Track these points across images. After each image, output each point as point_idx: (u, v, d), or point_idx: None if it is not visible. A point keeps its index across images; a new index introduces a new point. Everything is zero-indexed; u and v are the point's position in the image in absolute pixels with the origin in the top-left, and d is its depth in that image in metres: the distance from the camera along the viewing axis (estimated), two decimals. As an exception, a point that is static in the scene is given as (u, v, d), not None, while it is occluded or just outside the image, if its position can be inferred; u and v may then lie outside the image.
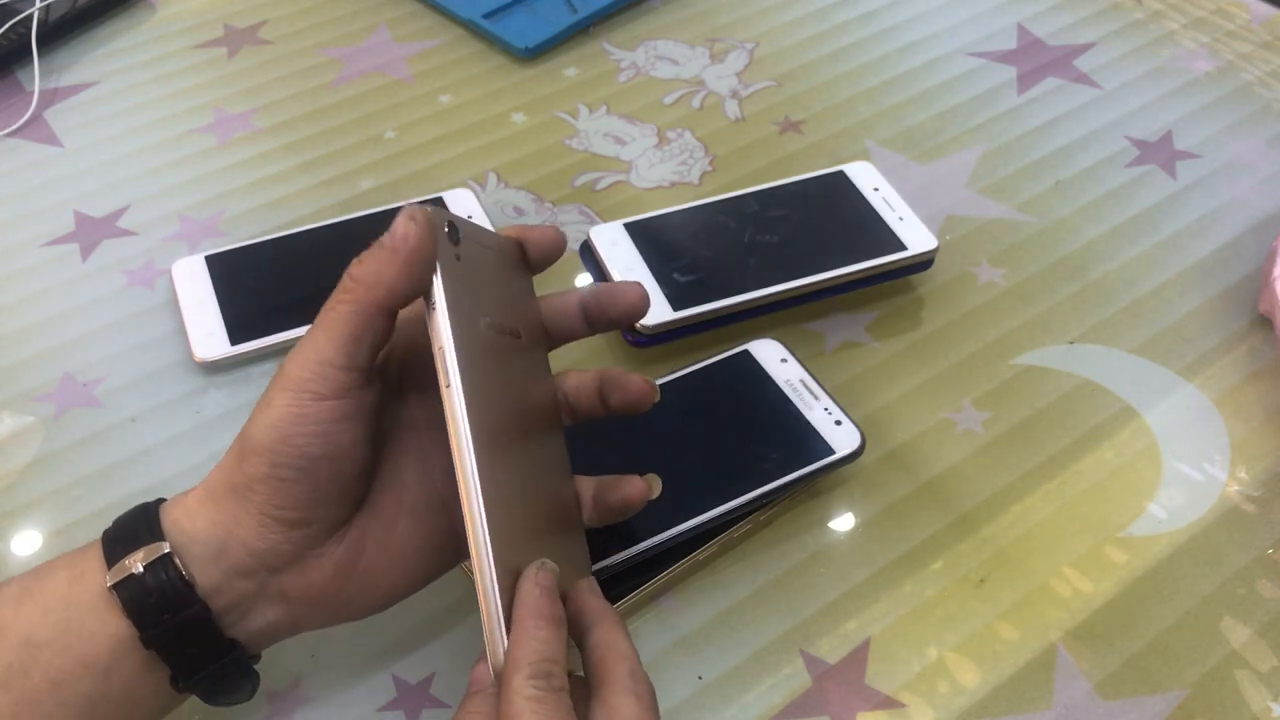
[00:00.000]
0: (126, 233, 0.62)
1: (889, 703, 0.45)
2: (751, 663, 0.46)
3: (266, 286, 0.58)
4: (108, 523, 0.49)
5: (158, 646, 0.35)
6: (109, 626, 0.35)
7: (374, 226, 0.60)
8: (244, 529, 0.35)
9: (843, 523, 0.51)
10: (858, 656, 0.46)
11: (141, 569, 0.35)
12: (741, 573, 0.49)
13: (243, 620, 0.36)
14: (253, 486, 0.35)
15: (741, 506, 0.48)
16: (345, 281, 0.35)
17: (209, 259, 0.59)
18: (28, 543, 0.49)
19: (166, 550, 0.35)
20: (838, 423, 0.51)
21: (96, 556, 0.36)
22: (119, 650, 0.35)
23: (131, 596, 0.35)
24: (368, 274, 0.35)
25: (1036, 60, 0.75)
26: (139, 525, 0.36)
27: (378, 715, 0.44)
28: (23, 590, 0.36)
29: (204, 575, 0.35)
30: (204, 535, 0.36)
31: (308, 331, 0.36)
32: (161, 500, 0.38)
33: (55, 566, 0.36)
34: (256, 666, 0.39)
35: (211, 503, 0.36)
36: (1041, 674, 0.46)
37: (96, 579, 0.35)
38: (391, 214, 0.60)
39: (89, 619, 0.35)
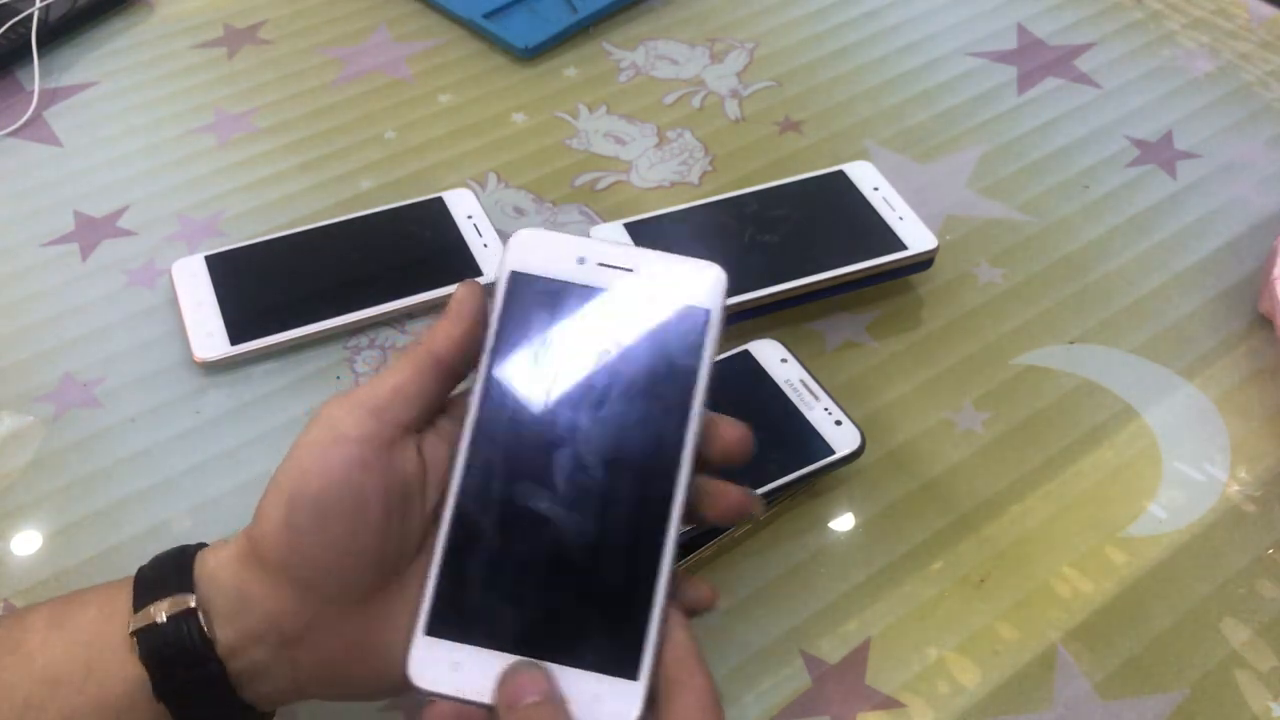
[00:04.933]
0: (126, 233, 0.62)
1: (889, 703, 0.45)
2: (751, 663, 0.46)
3: (266, 286, 0.58)
4: (108, 523, 0.50)
5: (169, 700, 0.35)
6: (127, 670, 0.34)
7: (374, 227, 0.61)
8: (260, 591, 0.35)
9: (843, 523, 0.51)
10: (858, 656, 0.46)
11: (164, 619, 0.34)
12: (741, 573, 0.49)
13: (252, 684, 0.36)
14: (266, 543, 0.34)
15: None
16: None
17: (209, 259, 0.59)
18: (28, 543, 0.49)
19: (191, 605, 0.34)
20: (838, 423, 0.51)
21: (127, 595, 0.35)
22: (134, 696, 0.34)
23: (151, 645, 0.34)
24: (427, 332, 0.36)
25: (1036, 60, 0.75)
26: (170, 571, 0.36)
27: (378, 715, 0.44)
28: (54, 618, 0.35)
29: (225, 634, 0.35)
30: (227, 592, 0.35)
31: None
32: (202, 545, 0.37)
33: (88, 600, 0.36)
34: None
35: (235, 560, 0.36)
36: (1041, 674, 0.46)
37: (123, 619, 0.35)
38: (392, 213, 0.61)
39: (110, 660, 0.34)
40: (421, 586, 0.34)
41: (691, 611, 0.36)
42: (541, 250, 0.37)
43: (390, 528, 0.35)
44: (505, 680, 0.33)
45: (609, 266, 0.37)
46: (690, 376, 0.36)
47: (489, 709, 0.33)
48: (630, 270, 0.37)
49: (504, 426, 0.36)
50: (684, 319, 0.36)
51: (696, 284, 0.37)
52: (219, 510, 0.50)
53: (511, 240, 0.37)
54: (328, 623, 0.35)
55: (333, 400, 0.36)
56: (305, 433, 0.35)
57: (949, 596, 0.48)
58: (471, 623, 0.34)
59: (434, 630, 0.34)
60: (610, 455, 0.35)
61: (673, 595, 0.35)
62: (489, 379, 0.36)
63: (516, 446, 0.36)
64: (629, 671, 0.34)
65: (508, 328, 0.36)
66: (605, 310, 0.37)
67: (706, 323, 0.36)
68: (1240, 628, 0.47)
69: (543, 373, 0.36)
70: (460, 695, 0.33)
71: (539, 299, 0.37)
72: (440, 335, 0.36)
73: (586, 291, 0.37)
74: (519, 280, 0.37)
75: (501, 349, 0.36)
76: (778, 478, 0.48)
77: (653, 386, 0.36)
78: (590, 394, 0.36)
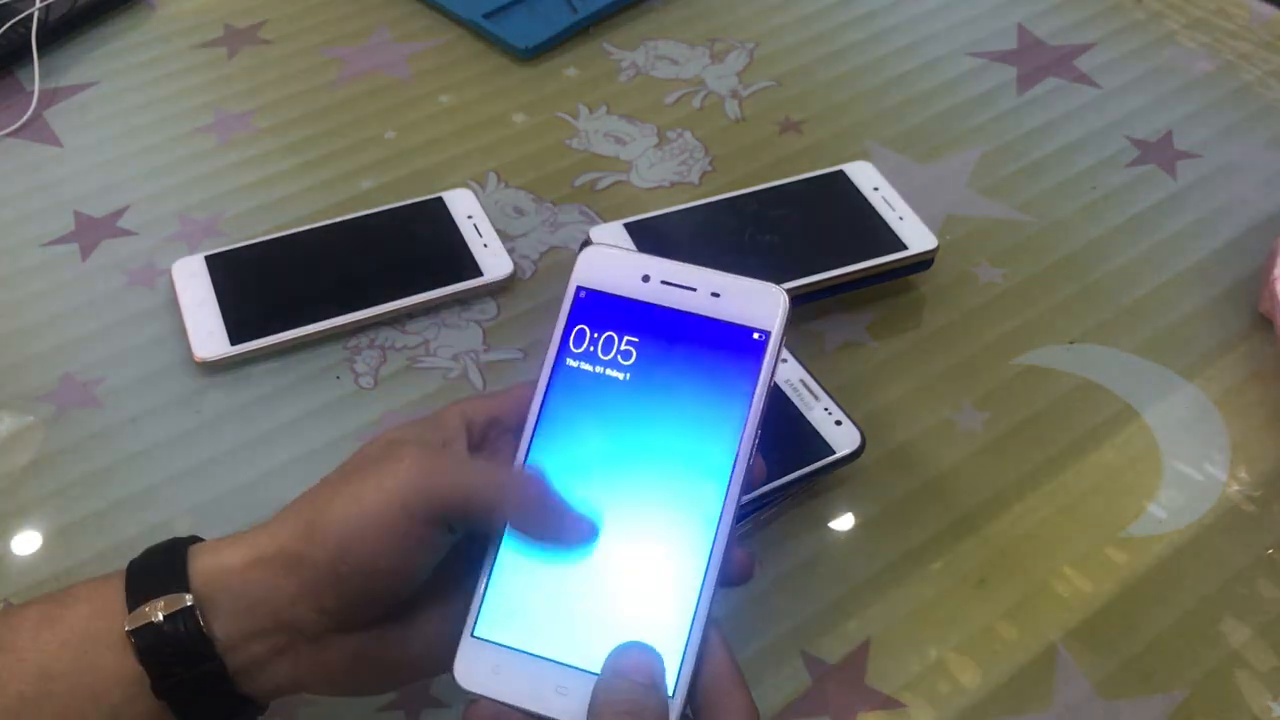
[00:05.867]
0: (126, 233, 0.62)
1: (889, 703, 0.45)
2: (751, 663, 0.46)
3: (266, 286, 0.58)
4: (108, 523, 0.50)
5: (169, 697, 0.35)
6: (123, 667, 0.34)
7: (374, 226, 0.61)
8: (278, 597, 0.35)
9: (843, 523, 0.51)
10: (858, 656, 0.46)
11: (161, 618, 0.34)
12: (741, 573, 0.49)
13: (251, 679, 0.36)
14: (306, 564, 0.34)
15: (742, 506, 0.47)
16: (501, 476, 0.36)
17: (209, 259, 0.59)
18: (28, 543, 0.49)
19: (189, 603, 0.34)
20: (838, 423, 0.51)
21: (119, 591, 0.35)
22: (131, 692, 0.34)
23: (148, 644, 0.34)
24: (523, 512, 0.36)
25: (1036, 60, 0.75)
26: (164, 567, 0.35)
27: (378, 715, 0.44)
28: (44, 616, 0.35)
29: (224, 631, 0.35)
30: (234, 590, 0.35)
31: (429, 440, 0.36)
32: (195, 539, 0.37)
33: (77, 596, 0.36)
34: None
35: (254, 561, 0.35)
36: (1041, 674, 0.46)
37: (117, 616, 0.35)
38: (392, 213, 0.61)
39: (105, 656, 0.34)
40: (472, 591, 0.35)
41: (729, 581, 0.36)
42: (608, 267, 0.38)
43: (422, 584, 0.36)
44: (619, 654, 0.34)
45: (672, 284, 0.37)
46: (745, 397, 0.36)
47: (525, 713, 0.34)
48: (693, 289, 0.37)
49: (561, 441, 0.37)
50: (743, 339, 0.37)
51: (758, 305, 0.37)
52: (219, 510, 0.50)
53: (580, 256, 0.38)
54: (339, 635, 0.35)
55: (402, 468, 0.35)
56: (371, 490, 0.34)
57: (949, 596, 0.48)
58: (516, 630, 0.35)
59: (481, 633, 0.35)
60: (661, 473, 0.36)
61: (713, 615, 0.35)
62: (549, 393, 0.37)
63: (571, 461, 0.36)
64: None
65: (570, 342, 0.37)
66: (666, 327, 0.37)
67: (765, 344, 0.37)
68: (1240, 628, 0.47)
69: (602, 388, 0.37)
70: (499, 698, 0.34)
71: (602, 314, 0.38)
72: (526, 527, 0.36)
73: (649, 308, 0.37)
74: (584, 295, 0.38)
75: (563, 363, 0.37)
76: (778, 478, 0.48)
77: (708, 406, 0.36)
78: (646, 411, 0.37)
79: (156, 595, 0.35)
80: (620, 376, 0.37)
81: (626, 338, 0.37)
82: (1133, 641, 0.47)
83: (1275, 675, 0.46)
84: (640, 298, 0.37)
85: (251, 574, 0.35)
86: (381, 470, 0.35)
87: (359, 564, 0.34)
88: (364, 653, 0.36)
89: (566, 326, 0.38)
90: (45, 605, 0.36)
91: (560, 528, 0.36)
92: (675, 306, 0.37)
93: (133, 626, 0.34)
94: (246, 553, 0.35)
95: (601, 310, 0.38)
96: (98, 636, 0.35)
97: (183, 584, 0.35)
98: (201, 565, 0.35)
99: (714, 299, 0.37)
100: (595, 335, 0.37)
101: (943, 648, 0.47)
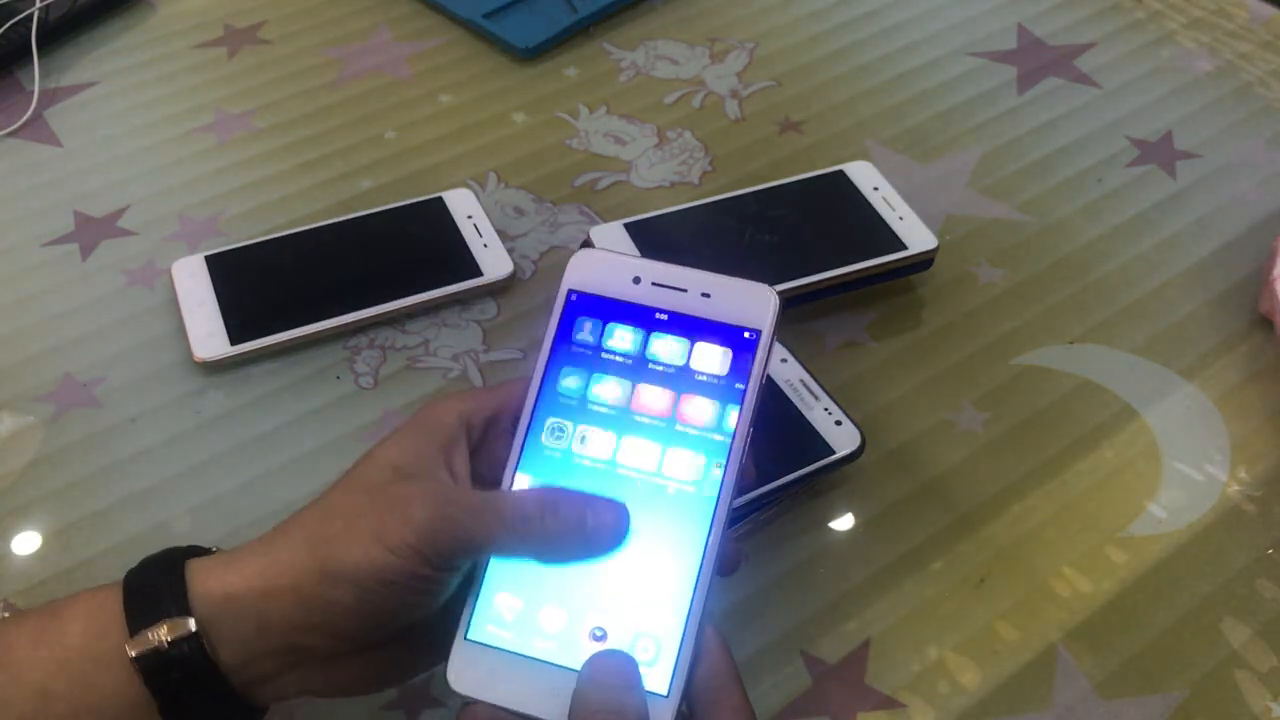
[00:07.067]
0: (126, 233, 0.62)
1: (889, 703, 0.45)
2: (751, 663, 0.46)
3: (266, 286, 0.58)
4: (108, 523, 0.50)
5: (173, 716, 0.35)
6: (125, 688, 0.34)
7: (374, 226, 0.61)
8: (290, 627, 0.34)
9: (843, 523, 0.51)
10: (858, 656, 0.46)
11: (166, 644, 0.34)
12: (742, 573, 0.49)
13: (255, 691, 0.36)
14: (323, 605, 0.34)
15: (742, 507, 0.47)
16: (514, 515, 0.36)
17: (209, 259, 0.59)
18: (28, 543, 0.49)
19: (193, 628, 0.34)
20: (838, 423, 0.51)
21: (117, 608, 0.35)
22: (133, 713, 0.34)
23: (153, 670, 0.34)
24: (533, 537, 0.35)
25: (1036, 60, 0.75)
26: (163, 586, 0.35)
27: (378, 715, 0.44)
28: (40, 630, 0.35)
29: (230, 652, 0.34)
30: (241, 615, 0.34)
31: (434, 464, 0.36)
32: (192, 551, 0.36)
33: (74, 612, 0.35)
34: None
35: (264, 592, 0.34)
36: (1041, 674, 0.46)
37: (116, 638, 0.34)
38: (392, 213, 0.61)
39: (105, 677, 0.34)
40: (466, 595, 0.35)
41: (718, 571, 0.36)
42: (599, 269, 0.38)
43: (440, 605, 0.36)
44: (593, 662, 0.34)
45: (663, 286, 0.38)
46: (737, 396, 0.36)
47: (519, 716, 0.34)
48: (683, 290, 0.37)
49: (553, 442, 0.37)
50: (735, 338, 0.37)
51: (748, 304, 0.37)
52: (219, 510, 0.50)
53: (571, 259, 0.38)
54: (348, 652, 0.36)
55: (414, 506, 0.34)
56: (382, 533, 0.34)
57: (949, 596, 0.48)
58: (509, 632, 0.35)
59: (474, 636, 0.35)
60: (654, 474, 0.36)
61: (711, 613, 0.35)
62: (542, 395, 0.37)
63: (563, 464, 0.37)
64: (657, 686, 0.34)
65: (562, 345, 0.38)
66: (657, 328, 0.38)
67: (756, 343, 0.37)
68: (1240, 628, 0.47)
69: (593, 390, 0.37)
70: (493, 701, 0.34)
71: (594, 316, 0.38)
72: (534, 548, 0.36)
73: (640, 310, 0.38)
74: (575, 297, 0.38)
75: (555, 366, 0.37)
76: (778, 478, 0.48)
77: (700, 406, 0.37)
78: (638, 412, 0.37)
79: (158, 618, 0.34)
80: (613, 379, 0.37)
81: (618, 339, 0.38)
82: (1133, 641, 0.47)
83: (1275, 675, 0.46)
84: (631, 299, 0.38)
85: (261, 604, 0.34)
86: (394, 515, 0.34)
87: (380, 606, 0.34)
88: (375, 664, 0.36)
89: (558, 329, 0.38)
90: (40, 619, 0.35)
91: (581, 546, 0.36)
92: (666, 308, 0.37)
93: (136, 652, 0.34)
94: (254, 581, 0.35)
95: (593, 313, 0.38)
96: (97, 656, 0.34)
97: (184, 607, 0.34)
98: (204, 588, 0.35)
99: (704, 299, 0.37)
100: (587, 337, 0.38)
101: (943, 648, 0.47)
